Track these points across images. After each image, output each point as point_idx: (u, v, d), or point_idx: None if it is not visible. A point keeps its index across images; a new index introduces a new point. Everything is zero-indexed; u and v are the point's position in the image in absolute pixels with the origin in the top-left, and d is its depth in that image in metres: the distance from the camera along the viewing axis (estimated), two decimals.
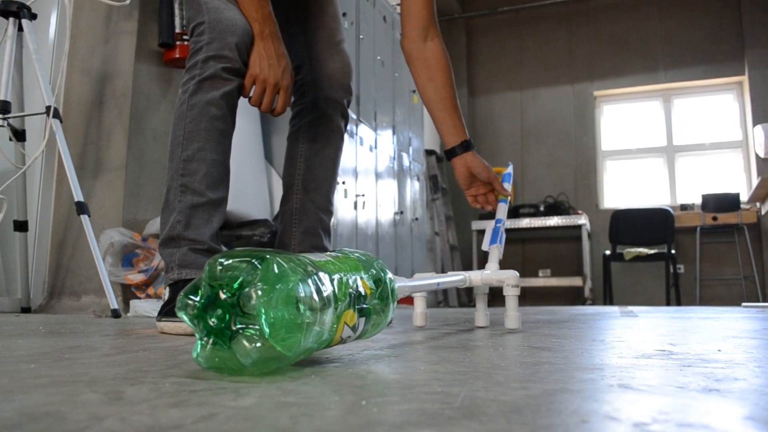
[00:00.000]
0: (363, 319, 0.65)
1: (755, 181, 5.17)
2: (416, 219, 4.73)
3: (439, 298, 5.47)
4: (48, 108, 1.96)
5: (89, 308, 2.17)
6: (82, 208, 1.92)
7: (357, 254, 0.70)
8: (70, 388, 0.47)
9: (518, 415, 0.37)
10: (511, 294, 1.15)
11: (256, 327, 0.51)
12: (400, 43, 1.41)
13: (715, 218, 5.52)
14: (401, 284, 0.82)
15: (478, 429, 0.33)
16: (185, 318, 0.53)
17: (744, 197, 5.54)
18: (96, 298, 2.20)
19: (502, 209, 1.36)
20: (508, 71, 6.68)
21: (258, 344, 0.50)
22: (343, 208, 3.40)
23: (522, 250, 6.34)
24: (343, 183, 3.42)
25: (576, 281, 5.65)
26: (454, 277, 1.12)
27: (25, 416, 0.36)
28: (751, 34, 5.78)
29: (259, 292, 0.50)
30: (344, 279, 0.62)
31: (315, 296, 0.54)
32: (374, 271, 0.69)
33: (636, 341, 0.96)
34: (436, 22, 1.40)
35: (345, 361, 0.67)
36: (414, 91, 4.68)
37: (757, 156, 5.57)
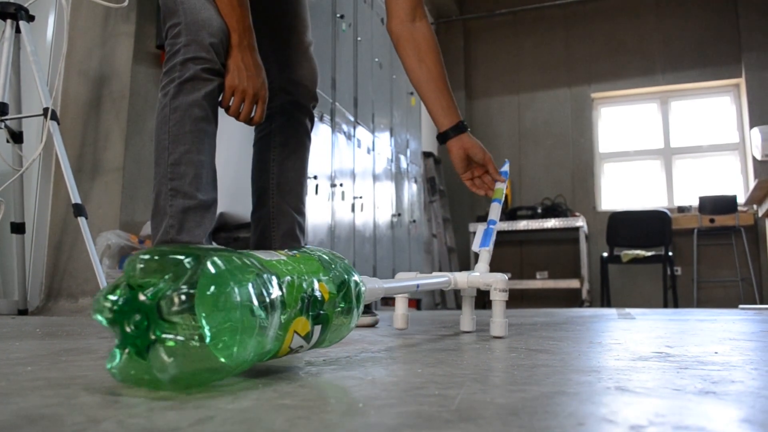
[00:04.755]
0: (319, 327, 0.58)
1: (752, 184, 5.17)
2: (414, 221, 4.73)
3: (437, 300, 5.47)
4: (45, 110, 1.95)
5: (86, 310, 2.16)
6: (79, 210, 1.92)
7: (319, 253, 0.64)
8: (67, 391, 0.46)
9: (515, 418, 0.37)
10: (498, 299, 1.06)
11: (179, 337, 0.44)
12: (386, 26, 1.39)
13: (712, 220, 5.53)
14: (376, 285, 0.76)
15: None
16: (102, 321, 0.46)
17: (741, 199, 5.55)
18: (93, 300, 2.19)
19: (495, 209, 1.32)
20: (505, 74, 6.68)
21: (179, 357, 0.44)
22: (340, 210, 3.40)
23: (519, 252, 6.35)
24: (341, 185, 3.41)
25: (573, 283, 5.65)
26: (437, 279, 1.05)
27: (22, 419, 0.36)
28: (748, 37, 5.80)
29: (183, 297, 0.43)
30: (296, 282, 0.55)
31: (255, 300, 0.48)
32: (337, 273, 0.62)
33: (633, 343, 0.96)
34: (423, 3, 1.39)
35: (342, 363, 0.67)
36: (412, 93, 4.68)
37: (754, 158, 5.57)
